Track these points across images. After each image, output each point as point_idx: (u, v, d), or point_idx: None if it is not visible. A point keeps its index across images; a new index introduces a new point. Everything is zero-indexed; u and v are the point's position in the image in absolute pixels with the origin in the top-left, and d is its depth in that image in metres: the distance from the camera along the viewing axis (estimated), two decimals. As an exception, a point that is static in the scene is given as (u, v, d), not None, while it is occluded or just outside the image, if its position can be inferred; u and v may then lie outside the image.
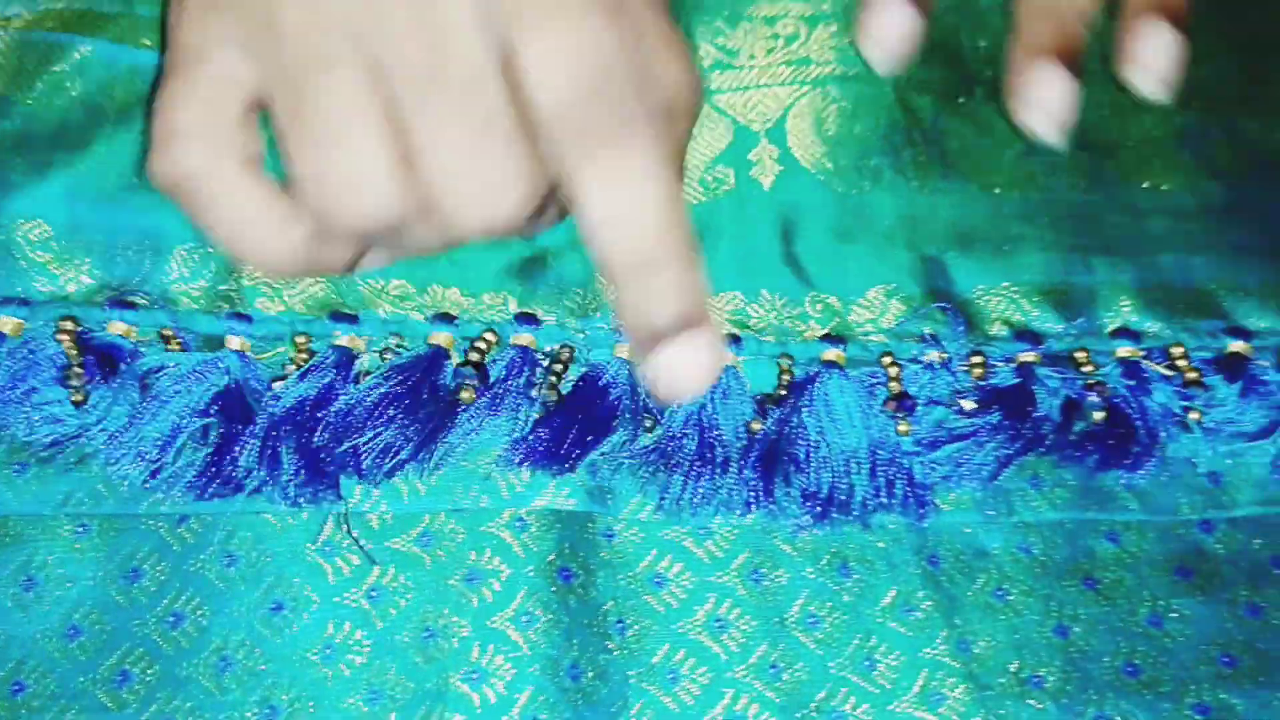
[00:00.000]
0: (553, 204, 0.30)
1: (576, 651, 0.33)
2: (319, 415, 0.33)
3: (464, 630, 0.33)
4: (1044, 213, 0.32)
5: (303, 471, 0.33)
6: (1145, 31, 0.32)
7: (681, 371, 0.27)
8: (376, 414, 0.33)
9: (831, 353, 0.34)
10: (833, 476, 0.33)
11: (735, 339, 0.35)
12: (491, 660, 0.32)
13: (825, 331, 0.35)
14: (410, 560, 0.34)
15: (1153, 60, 0.32)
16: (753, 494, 0.34)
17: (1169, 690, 0.33)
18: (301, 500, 0.33)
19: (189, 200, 0.29)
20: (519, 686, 0.32)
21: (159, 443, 0.33)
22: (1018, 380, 0.34)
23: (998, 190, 0.36)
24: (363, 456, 0.33)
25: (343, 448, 0.33)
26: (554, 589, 0.33)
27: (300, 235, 0.29)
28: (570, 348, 0.34)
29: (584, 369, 0.34)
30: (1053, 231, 0.34)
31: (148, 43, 0.35)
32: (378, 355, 0.34)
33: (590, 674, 0.33)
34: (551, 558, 0.33)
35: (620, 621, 0.33)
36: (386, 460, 0.33)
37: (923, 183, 0.36)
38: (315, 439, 0.33)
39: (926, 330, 0.35)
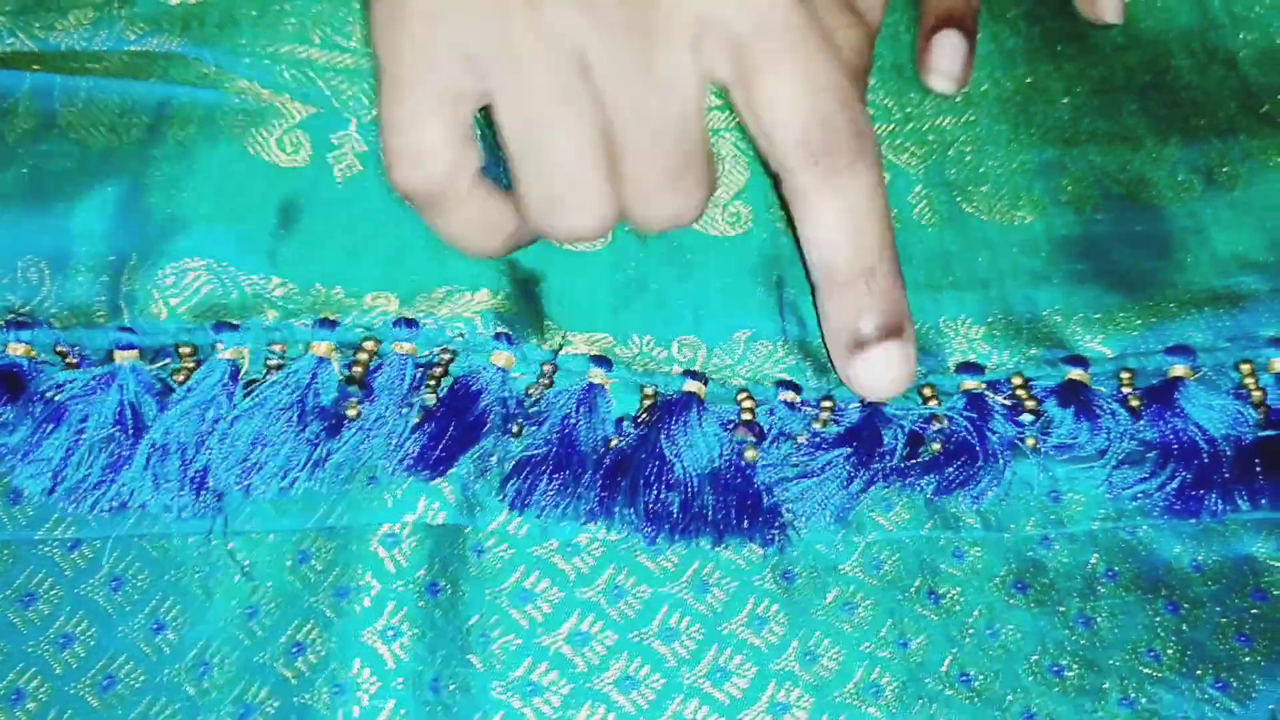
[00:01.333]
0: None
1: (440, 665, 0.34)
2: (203, 431, 0.34)
3: (332, 644, 0.33)
4: (900, 253, 0.35)
5: (187, 490, 0.34)
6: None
7: (883, 375, 0.32)
8: (260, 432, 0.34)
9: (692, 385, 0.37)
10: (682, 497, 0.35)
11: (603, 360, 0.37)
12: (359, 674, 0.33)
13: (687, 369, 0.37)
14: (284, 577, 0.34)
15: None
16: (598, 507, 0.35)
17: (997, 698, 0.34)
18: (184, 517, 0.34)
19: (426, 207, 0.33)
20: (382, 700, 0.33)
21: (54, 463, 0.34)
22: (865, 417, 0.37)
23: None
24: (247, 475, 0.34)
25: (228, 465, 0.34)
26: (421, 603, 0.34)
27: (509, 231, 0.34)
28: (451, 352, 0.36)
29: (457, 375, 0.36)
30: (908, 270, 0.37)
31: (37, 67, 0.38)
32: (263, 364, 0.35)
33: (452, 686, 0.33)
34: (421, 572, 0.34)
35: (485, 635, 0.34)
36: (271, 480, 0.34)
37: (786, 225, 0.39)
38: (199, 457, 0.34)
39: (781, 373, 0.37)
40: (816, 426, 0.37)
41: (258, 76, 0.38)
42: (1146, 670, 0.35)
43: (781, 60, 0.30)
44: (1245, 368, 0.38)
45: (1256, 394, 0.38)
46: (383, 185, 0.36)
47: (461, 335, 0.36)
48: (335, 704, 0.32)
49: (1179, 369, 0.38)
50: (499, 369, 0.36)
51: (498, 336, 0.36)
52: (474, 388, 0.35)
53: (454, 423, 0.35)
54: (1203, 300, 0.39)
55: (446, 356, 0.36)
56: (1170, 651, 0.35)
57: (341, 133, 0.38)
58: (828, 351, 0.35)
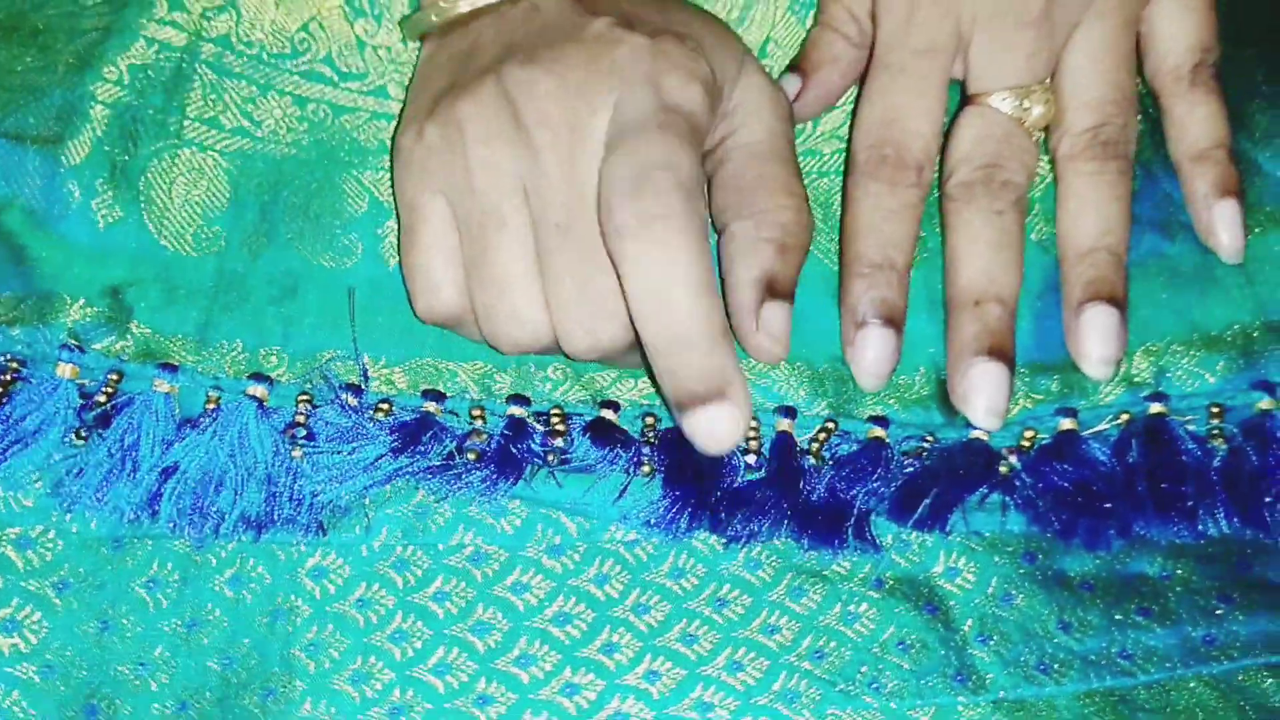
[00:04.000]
0: None
1: None
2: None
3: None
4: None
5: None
6: (1088, 317, 0.41)
7: (711, 431, 0.35)
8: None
9: (255, 389, 0.40)
10: (233, 495, 0.39)
11: (170, 367, 0.40)
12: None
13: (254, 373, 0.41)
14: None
15: (1099, 348, 0.41)
16: (144, 505, 0.39)
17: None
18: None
19: (454, 327, 0.40)
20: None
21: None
22: (412, 420, 0.41)
23: None
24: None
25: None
26: None
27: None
28: (19, 361, 0.40)
29: (20, 384, 0.40)
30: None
31: None
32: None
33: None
34: None
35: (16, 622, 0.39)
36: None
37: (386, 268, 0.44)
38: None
39: (344, 378, 0.41)
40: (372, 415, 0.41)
41: None
42: (604, 660, 0.40)
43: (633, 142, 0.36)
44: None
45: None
46: None
47: (29, 346, 0.39)
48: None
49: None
50: (60, 378, 0.39)
51: (64, 346, 0.39)
52: (32, 396, 0.39)
53: (6, 429, 0.39)
54: None
55: (15, 365, 0.40)
56: (627, 646, 0.40)
57: None
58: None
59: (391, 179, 0.42)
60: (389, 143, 0.44)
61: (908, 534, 0.40)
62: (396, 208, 0.40)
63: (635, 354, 0.38)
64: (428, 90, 0.40)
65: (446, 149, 0.38)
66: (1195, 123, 0.43)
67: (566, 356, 0.39)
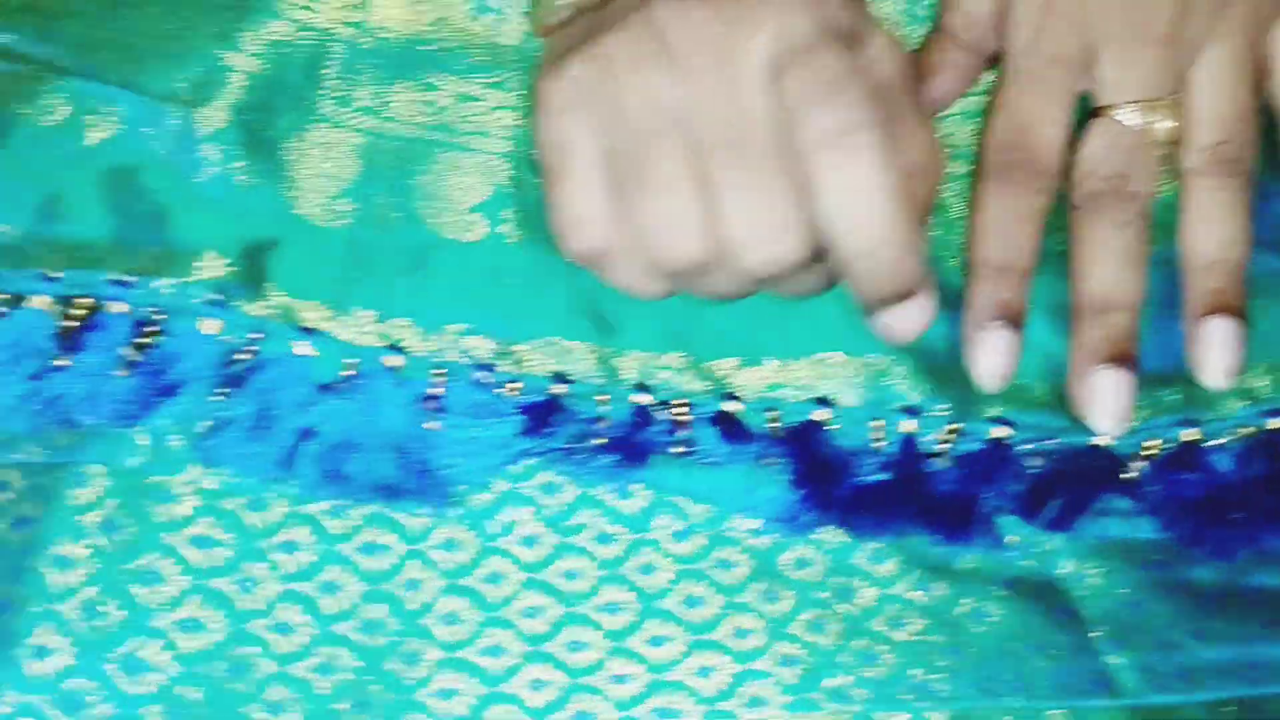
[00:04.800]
0: (825, 269, 0.38)
1: (107, 593, 0.39)
2: None
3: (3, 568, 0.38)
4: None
5: None
6: (1207, 331, 0.41)
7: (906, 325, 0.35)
8: None
9: (392, 359, 0.40)
10: (366, 461, 0.39)
11: (311, 331, 0.40)
12: (23, 593, 0.38)
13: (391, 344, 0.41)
14: None
15: (1218, 358, 0.41)
16: (284, 466, 0.39)
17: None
18: None
19: (598, 266, 0.38)
20: (40, 620, 0.38)
21: None
22: (542, 401, 0.41)
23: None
24: None
25: None
26: (98, 539, 0.39)
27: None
28: (164, 312, 0.40)
29: (164, 336, 0.40)
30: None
31: None
32: None
33: (115, 612, 0.39)
34: (106, 509, 0.39)
35: (152, 573, 0.39)
36: None
37: (518, 242, 0.44)
38: None
39: (479, 355, 0.41)
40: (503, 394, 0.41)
41: (30, 48, 0.42)
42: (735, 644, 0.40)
43: (817, 100, 0.35)
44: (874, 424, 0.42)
45: None
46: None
47: (175, 299, 0.40)
48: None
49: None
50: (203, 334, 0.39)
51: (208, 303, 0.40)
52: (177, 349, 0.39)
53: (151, 380, 0.39)
54: None
55: (160, 318, 0.40)
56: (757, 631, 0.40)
57: (103, 102, 0.42)
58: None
59: (527, 129, 0.42)
60: (512, 128, 0.45)
61: (1034, 535, 0.41)
62: (538, 153, 0.39)
63: (805, 277, 0.39)
64: (562, 46, 0.40)
65: (593, 81, 0.37)
66: None
67: (732, 276, 0.38)
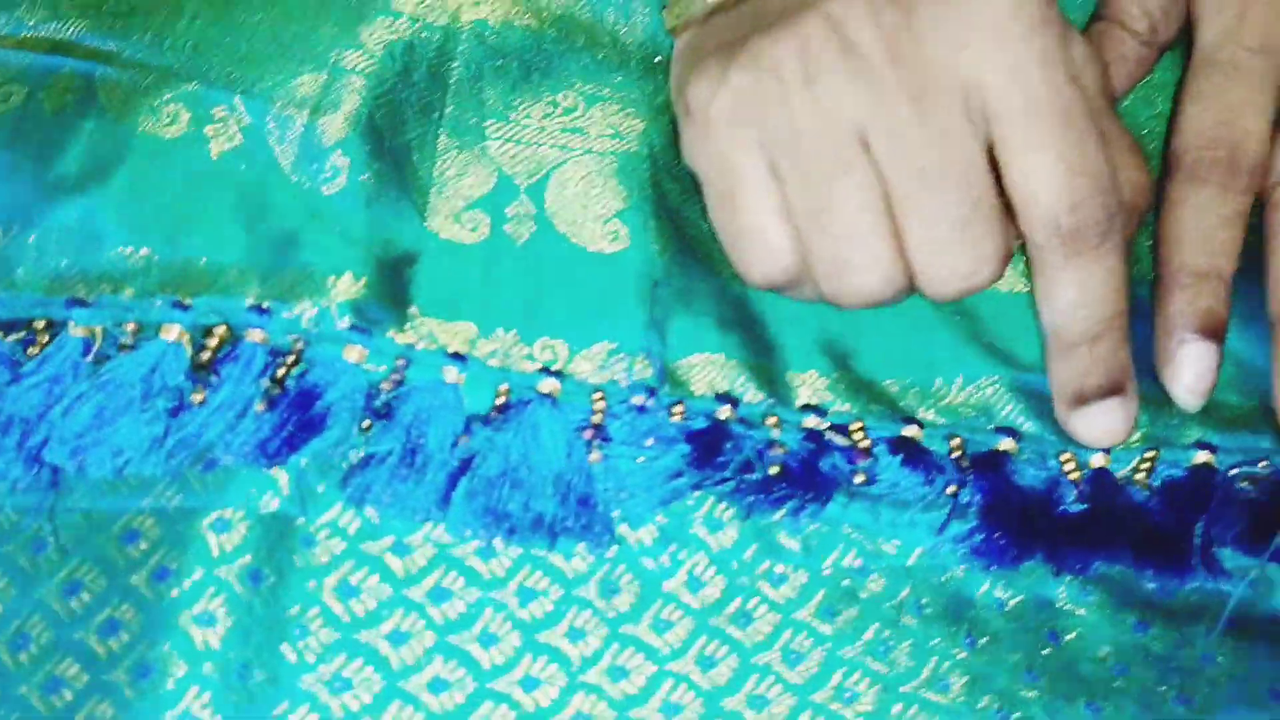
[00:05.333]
0: None
1: (252, 653, 0.35)
2: (46, 409, 0.35)
3: (145, 625, 0.34)
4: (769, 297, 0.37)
5: (20, 463, 0.35)
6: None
7: (1102, 428, 0.35)
8: (100, 410, 0.35)
9: (547, 384, 0.37)
10: (524, 498, 0.36)
11: (459, 357, 0.37)
12: (168, 656, 0.34)
13: (543, 367, 0.38)
14: (109, 554, 0.35)
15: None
16: (437, 505, 0.36)
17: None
18: (18, 490, 0.35)
19: (788, 290, 0.36)
20: (186, 684, 0.34)
21: None
22: (710, 427, 0.37)
23: (729, 273, 0.40)
24: (83, 452, 0.35)
25: (64, 441, 0.35)
26: (241, 590, 0.35)
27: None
28: (305, 341, 0.36)
29: (306, 366, 0.36)
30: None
31: None
32: (116, 344, 0.36)
33: (260, 675, 0.35)
34: (246, 559, 0.35)
35: (302, 627, 0.35)
36: (106, 459, 0.35)
37: (663, 251, 0.40)
38: (38, 431, 0.35)
39: (637, 375, 0.38)
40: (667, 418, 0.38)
41: (143, 54, 0.39)
42: (934, 697, 0.36)
43: (1042, 137, 0.33)
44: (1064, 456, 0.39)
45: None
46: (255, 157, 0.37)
47: (316, 325, 0.36)
48: (141, 685, 0.33)
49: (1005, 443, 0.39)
50: (349, 363, 0.36)
51: (352, 329, 0.36)
52: (321, 380, 0.36)
53: (296, 414, 0.35)
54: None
55: (300, 345, 0.36)
56: (957, 682, 0.36)
57: (222, 107, 0.38)
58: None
59: (677, 145, 0.38)
60: (644, 134, 0.41)
61: (1250, 565, 0.37)
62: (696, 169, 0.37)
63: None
64: (708, 47, 0.36)
65: (760, 95, 0.34)
66: None
67: (922, 297, 0.36)
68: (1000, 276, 0.35)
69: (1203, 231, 0.38)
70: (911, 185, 0.33)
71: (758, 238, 0.35)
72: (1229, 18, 0.40)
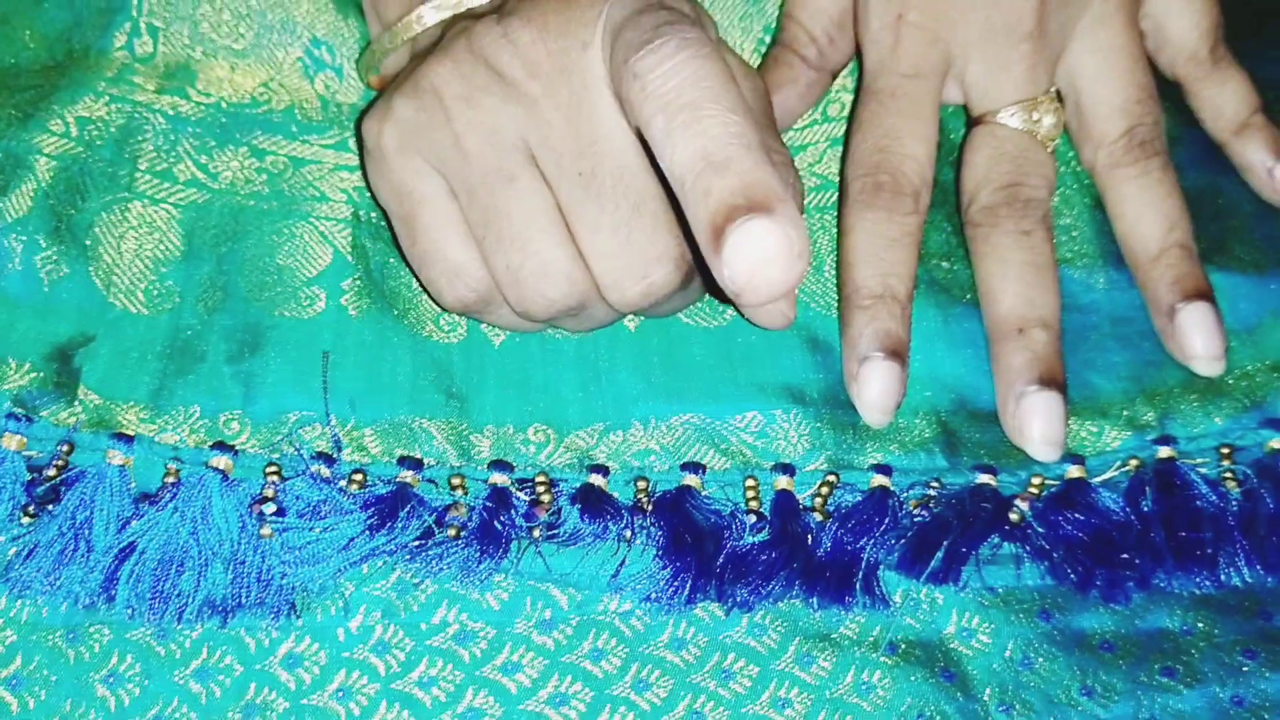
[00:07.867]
0: (696, 279, 0.37)
1: None
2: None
3: None
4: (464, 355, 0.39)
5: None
6: (1186, 317, 0.40)
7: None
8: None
9: (219, 460, 0.37)
10: (196, 576, 0.36)
11: (126, 438, 0.37)
12: None
13: (219, 442, 0.38)
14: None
15: (1203, 346, 0.40)
16: (105, 592, 0.35)
17: None
18: None
19: (482, 311, 0.38)
20: None
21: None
22: (388, 494, 0.38)
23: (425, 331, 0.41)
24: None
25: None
26: None
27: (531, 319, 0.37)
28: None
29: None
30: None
31: None
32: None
33: None
34: None
35: None
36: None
37: (359, 314, 0.41)
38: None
39: (316, 445, 0.38)
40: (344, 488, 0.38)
41: None
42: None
43: (689, 125, 0.32)
44: (749, 483, 0.39)
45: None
46: None
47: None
48: None
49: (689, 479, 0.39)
50: (7, 450, 0.36)
51: (9, 417, 0.36)
52: None
53: None
54: None
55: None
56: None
57: None
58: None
59: (365, 181, 0.39)
60: (351, 192, 0.42)
61: (918, 591, 0.38)
62: (379, 203, 0.38)
63: (680, 295, 0.37)
64: (391, 89, 0.37)
65: (424, 119, 0.35)
66: (1229, 98, 0.44)
67: (609, 307, 0.36)
68: (678, 279, 0.36)
69: (874, 253, 0.40)
70: (575, 193, 0.34)
71: (440, 257, 0.36)
72: (884, 47, 0.42)
